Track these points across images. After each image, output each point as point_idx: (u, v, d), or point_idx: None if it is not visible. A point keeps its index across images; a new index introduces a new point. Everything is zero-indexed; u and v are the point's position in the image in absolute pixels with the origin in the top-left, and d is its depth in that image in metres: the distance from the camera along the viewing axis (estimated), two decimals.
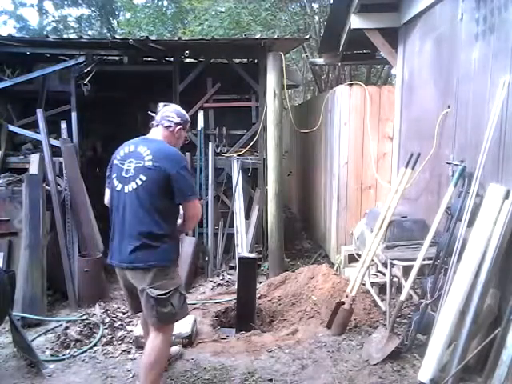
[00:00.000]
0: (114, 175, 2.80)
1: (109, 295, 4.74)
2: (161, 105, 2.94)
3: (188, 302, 4.38)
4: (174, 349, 3.38)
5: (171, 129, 2.83)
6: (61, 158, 4.97)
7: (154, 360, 2.71)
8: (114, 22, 17.00)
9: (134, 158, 2.72)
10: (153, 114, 2.91)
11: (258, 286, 4.43)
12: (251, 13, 9.42)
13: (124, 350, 3.51)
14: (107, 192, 2.90)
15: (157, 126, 2.84)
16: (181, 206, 2.80)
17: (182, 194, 2.69)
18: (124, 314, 4.09)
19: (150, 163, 2.66)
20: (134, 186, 2.67)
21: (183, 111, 2.93)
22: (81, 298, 4.49)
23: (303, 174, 7.65)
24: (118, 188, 2.75)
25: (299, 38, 6.15)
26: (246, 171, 5.69)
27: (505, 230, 2.78)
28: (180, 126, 2.86)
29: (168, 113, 2.85)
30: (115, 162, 2.82)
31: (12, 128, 5.27)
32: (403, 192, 3.89)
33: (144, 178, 2.66)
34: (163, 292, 2.67)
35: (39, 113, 5.00)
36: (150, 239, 2.65)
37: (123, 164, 2.75)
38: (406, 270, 3.60)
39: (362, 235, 4.47)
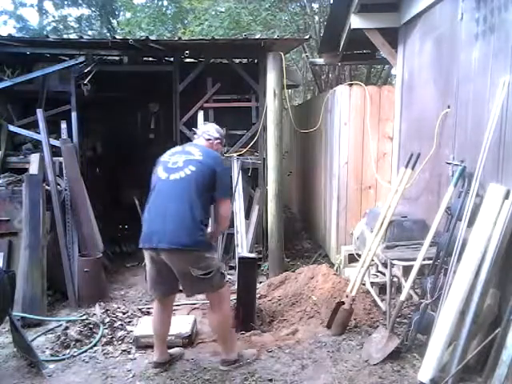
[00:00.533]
0: (159, 168, 3.12)
1: (109, 295, 4.74)
2: (201, 123, 3.47)
3: (188, 302, 4.44)
4: (176, 350, 3.39)
5: (211, 141, 3.28)
6: (61, 158, 4.97)
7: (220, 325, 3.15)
8: (114, 21, 16.98)
9: (183, 154, 3.10)
10: (194, 130, 3.43)
11: (258, 286, 4.42)
12: (251, 13, 9.42)
13: (124, 350, 3.51)
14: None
15: (198, 137, 3.31)
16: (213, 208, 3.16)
17: (221, 191, 3.07)
18: (124, 313, 4.08)
19: (201, 158, 3.03)
20: (183, 175, 2.97)
21: (220, 129, 3.42)
22: (81, 298, 4.49)
23: (303, 174, 7.65)
24: (163, 177, 3.03)
25: (299, 38, 6.14)
26: (245, 171, 5.68)
27: (505, 230, 2.78)
28: (218, 141, 3.33)
29: (208, 128, 3.34)
30: (161, 160, 3.19)
31: (12, 128, 5.26)
32: (403, 192, 3.88)
33: (194, 168, 2.99)
34: (206, 271, 2.94)
35: (39, 113, 5.00)
36: (194, 223, 2.89)
37: (170, 159, 3.11)
38: (406, 270, 3.60)
39: (362, 235, 4.47)
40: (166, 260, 2.94)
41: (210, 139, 3.27)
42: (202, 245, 2.94)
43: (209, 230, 3.14)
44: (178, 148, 3.24)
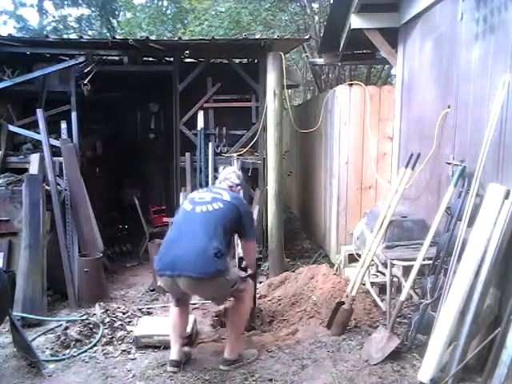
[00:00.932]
0: (185, 202, 3.32)
1: (109, 295, 4.75)
2: (221, 168, 3.76)
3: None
4: (186, 349, 3.39)
5: (233, 188, 3.47)
6: (61, 158, 4.98)
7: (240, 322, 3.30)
8: (114, 22, 17.00)
9: (211, 192, 3.31)
10: (216, 175, 3.66)
11: (258, 285, 4.42)
12: (251, 13, 9.42)
13: (124, 350, 3.51)
14: None
15: (220, 183, 3.51)
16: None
17: (249, 232, 3.31)
18: (124, 313, 4.08)
19: (229, 199, 3.21)
20: (210, 209, 3.13)
21: (238, 172, 3.68)
22: (81, 298, 4.49)
23: (303, 174, 7.65)
24: (188, 209, 3.19)
25: (299, 38, 6.15)
26: (246, 171, 5.69)
27: (505, 230, 2.78)
28: (239, 187, 3.54)
29: (230, 175, 3.52)
30: (188, 197, 3.41)
31: (12, 128, 5.27)
32: (403, 192, 3.88)
33: (221, 205, 3.16)
34: (227, 291, 3.13)
35: (39, 113, 5.00)
36: (215, 253, 2.93)
37: (197, 195, 3.31)
38: (406, 270, 3.60)
39: (362, 235, 4.47)
40: (185, 289, 3.06)
41: (232, 186, 3.47)
42: (223, 271, 2.99)
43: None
44: (204, 189, 3.56)
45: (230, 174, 3.55)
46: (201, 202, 3.18)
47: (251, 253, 3.50)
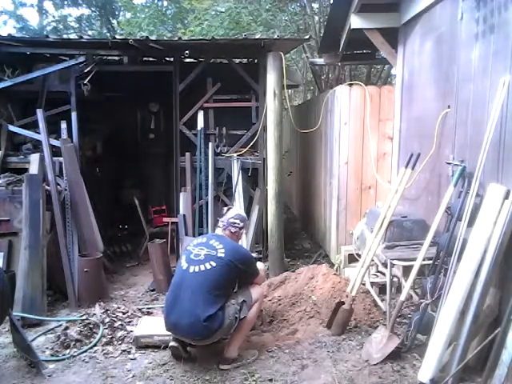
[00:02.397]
0: (183, 257, 3.35)
1: (109, 295, 4.75)
2: (225, 209, 3.68)
3: None
4: (192, 350, 3.43)
5: (236, 233, 3.52)
6: (61, 158, 4.98)
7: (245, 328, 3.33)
8: (114, 22, 17.00)
9: (206, 247, 3.29)
10: (219, 219, 3.59)
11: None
12: (251, 13, 9.42)
13: (124, 350, 3.51)
14: None
15: (224, 229, 3.49)
16: None
17: (249, 276, 3.41)
18: (124, 313, 4.08)
19: (223, 255, 3.22)
20: (202, 269, 3.17)
21: (243, 214, 3.68)
22: (81, 298, 4.49)
23: (303, 173, 7.65)
24: (184, 267, 3.25)
25: (299, 38, 6.15)
26: (246, 171, 5.69)
27: (505, 230, 2.78)
28: (243, 230, 3.60)
29: (233, 220, 3.50)
30: (187, 248, 3.42)
31: (12, 128, 5.26)
32: (403, 192, 3.88)
33: (214, 264, 3.18)
34: (234, 324, 3.18)
35: (39, 113, 5.00)
36: (207, 320, 3.05)
37: (194, 249, 3.32)
38: (406, 270, 3.60)
39: (362, 235, 4.47)
40: (191, 342, 3.25)
41: (235, 232, 3.51)
42: (218, 329, 3.10)
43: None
44: (203, 238, 3.45)
45: (235, 218, 3.52)
46: (195, 261, 3.23)
47: (260, 282, 3.67)
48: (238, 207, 5.42)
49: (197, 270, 3.17)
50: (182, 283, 3.20)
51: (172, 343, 3.27)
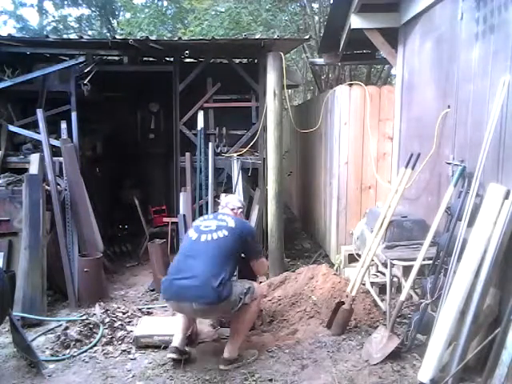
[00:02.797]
0: (190, 231, 3.46)
1: (109, 295, 4.75)
2: (223, 195, 3.98)
3: None
4: (192, 350, 3.43)
5: (235, 211, 3.64)
6: (61, 158, 4.97)
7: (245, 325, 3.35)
8: (114, 22, 16.99)
9: (216, 220, 3.42)
10: (218, 201, 3.89)
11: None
12: (251, 13, 9.42)
13: (124, 350, 3.51)
14: None
15: (223, 208, 3.68)
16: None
17: (254, 253, 3.50)
18: (124, 313, 4.08)
19: (233, 225, 3.35)
20: (215, 237, 3.26)
21: (242, 199, 3.99)
22: (81, 298, 4.49)
23: (303, 174, 7.65)
24: (194, 237, 3.33)
25: (299, 38, 6.14)
26: (246, 171, 5.69)
27: (505, 230, 2.78)
28: (241, 210, 3.74)
29: (231, 200, 3.73)
30: (193, 224, 3.55)
31: (12, 128, 5.26)
32: (403, 192, 3.88)
33: (226, 233, 3.29)
34: (237, 305, 3.18)
35: (39, 113, 5.00)
36: (220, 281, 3.07)
37: (202, 223, 3.43)
38: (406, 270, 3.60)
39: (362, 235, 4.47)
40: (190, 314, 3.27)
41: (234, 209, 3.65)
42: (226, 297, 3.11)
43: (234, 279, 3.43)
44: (210, 215, 3.67)
45: (232, 198, 3.79)
46: (206, 231, 3.31)
47: (262, 270, 3.70)
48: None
49: (209, 238, 3.26)
50: (193, 251, 3.26)
51: (171, 355, 3.22)
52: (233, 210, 3.64)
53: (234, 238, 3.28)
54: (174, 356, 3.21)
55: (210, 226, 3.34)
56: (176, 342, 3.27)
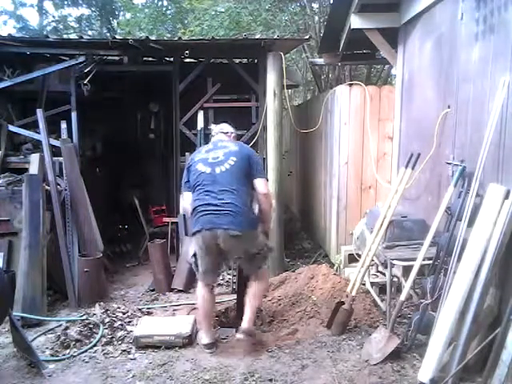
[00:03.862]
0: (198, 165, 3.41)
1: (109, 295, 4.74)
2: (213, 125, 3.93)
3: (188, 302, 4.45)
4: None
5: (228, 135, 3.72)
6: (61, 158, 4.97)
7: (260, 295, 3.57)
8: (114, 22, 17.00)
9: (220, 149, 3.45)
10: (210, 129, 4.05)
11: None
12: (251, 13, 9.42)
13: (124, 350, 3.51)
14: (187, 195, 3.48)
15: (217, 134, 3.71)
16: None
17: (258, 171, 3.44)
18: (124, 313, 4.08)
19: (237, 148, 3.45)
20: (228, 167, 3.33)
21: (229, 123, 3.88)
22: (81, 298, 4.49)
23: (303, 173, 7.65)
24: (208, 171, 3.35)
25: (299, 38, 6.14)
26: None
27: (505, 230, 2.78)
28: (234, 134, 3.79)
29: (223, 126, 3.78)
30: (196, 159, 3.49)
31: (12, 128, 5.26)
32: (403, 192, 3.88)
33: (235, 159, 3.36)
34: (260, 248, 3.37)
35: (39, 113, 5.00)
36: (246, 207, 3.29)
37: (208, 155, 3.43)
38: (406, 270, 3.59)
39: (362, 235, 4.47)
40: (223, 245, 3.27)
41: (227, 133, 3.71)
42: (256, 225, 3.36)
43: (256, 210, 3.48)
44: (209, 146, 3.63)
45: (223, 124, 3.80)
46: (217, 163, 3.36)
47: (263, 191, 3.48)
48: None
49: (223, 169, 3.33)
50: (213, 182, 3.31)
51: (208, 350, 3.41)
52: (227, 133, 3.70)
53: (243, 161, 3.37)
54: (212, 351, 3.42)
55: (218, 157, 3.38)
56: (207, 338, 3.44)
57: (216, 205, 3.24)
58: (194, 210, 3.36)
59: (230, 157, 3.36)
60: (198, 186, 3.37)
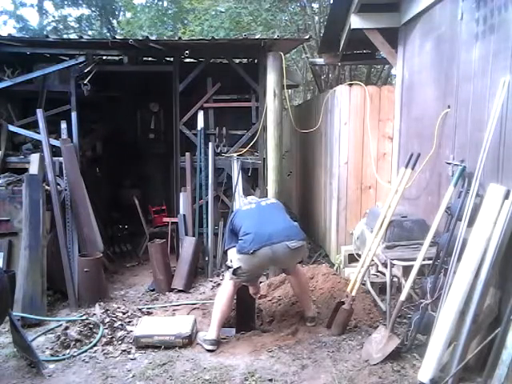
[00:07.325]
0: (240, 211, 3.85)
1: (109, 295, 4.74)
2: (242, 198, 4.81)
3: (188, 302, 4.45)
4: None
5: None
6: (61, 158, 4.97)
7: (306, 282, 4.06)
8: (114, 22, 17.02)
9: (253, 201, 4.00)
10: (243, 198, 4.87)
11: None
12: (251, 13, 9.42)
13: (124, 350, 3.51)
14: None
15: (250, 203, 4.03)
16: None
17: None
18: (124, 313, 4.08)
19: (274, 200, 4.13)
20: (269, 202, 3.93)
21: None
22: (81, 298, 4.49)
23: (303, 173, 7.65)
24: (253, 206, 3.82)
25: (299, 38, 6.14)
26: (246, 171, 5.69)
27: (505, 230, 2.78)
28: None
29: (252, 197, 4.33)
30: (239, 210, 3.93)
31: (12, 128, 5.26)
32: (403, 192, 3.88)
33: (274, 201, 4.06)
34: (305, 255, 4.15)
35: (39, 113, 5.00)
36: (297, 225, 3.71)
37: (250, 204, 3.91)
38: (406, 270, 3.60)
39: (362, 235, 4.47)
40: (281, 256, 3.50)
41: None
42: (304, 239, 3.68)
43: None
44: (247, 205, 4.01)
45: (251, 196, 4.46)
46: (259, 201, 3.95)
47: None
48: (237, 207, 5.43)
49: (268, 202, 3.92)
50: (260, 211, 3.74)
51: (213, 336, 3.50)
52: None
53: (278, 203, 3.97)
54: (214, 348, 3.48)
55: (253, 202, 3.93)
56: (215, 335, 3.50)
57: (271, 224, 3.60)
58: (246, 231, 3.59)
59: (268, 199, 4.13)
60: (246, 215, 3.79)
